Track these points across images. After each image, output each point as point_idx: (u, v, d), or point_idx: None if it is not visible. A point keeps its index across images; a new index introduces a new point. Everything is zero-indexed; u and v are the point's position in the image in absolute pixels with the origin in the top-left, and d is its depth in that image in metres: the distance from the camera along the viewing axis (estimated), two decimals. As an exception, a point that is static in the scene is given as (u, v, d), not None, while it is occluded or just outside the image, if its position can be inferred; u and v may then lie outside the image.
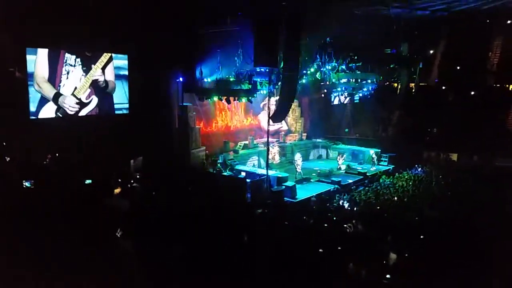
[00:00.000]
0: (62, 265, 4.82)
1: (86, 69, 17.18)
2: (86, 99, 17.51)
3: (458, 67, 27.63)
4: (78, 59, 16.78)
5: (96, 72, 17.53)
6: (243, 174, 19.67)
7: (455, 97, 27.37)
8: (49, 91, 16.06)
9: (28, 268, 4.62)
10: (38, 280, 4.55)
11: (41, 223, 5.12)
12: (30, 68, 15.49)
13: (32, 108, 15.78)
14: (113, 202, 8.24)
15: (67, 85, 16.56)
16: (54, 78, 16.04)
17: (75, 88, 16.89)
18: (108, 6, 15.57)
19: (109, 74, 18.22)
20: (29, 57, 15.42)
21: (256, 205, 15.26)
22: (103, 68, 17.89)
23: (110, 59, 18.05)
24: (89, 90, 17.49)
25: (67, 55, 16.32)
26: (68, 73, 16.44)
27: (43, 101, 16.04)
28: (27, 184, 9.18)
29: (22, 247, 4.74)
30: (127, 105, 19.07)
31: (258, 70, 19.51)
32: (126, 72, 18.85)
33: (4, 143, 13.81)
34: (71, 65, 16.54)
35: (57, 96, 16.27)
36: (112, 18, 15.73)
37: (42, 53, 15.79)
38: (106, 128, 17.19)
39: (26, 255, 4.71)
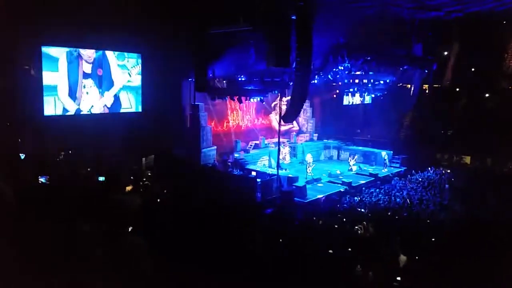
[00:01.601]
0: (73, 260, 4.90)
1: (102, 90, 17.75)
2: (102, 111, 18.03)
3: (473, 69, 27.33)
4: (92, 80, 17.34)
5: (110, 99, 18.14)
6: (254, 173, 19.73)
7: (469, 99, 27.07)
8: (71, 106, 16.94)
9: (39, 262, 4.69)
10: (49, 274, 4.63)
11: (55, 218, 5.21)
12: (53, 81, 16.14)
13: (58, 111, 16.51)
14: (125, 199, 8.34)
15: (86, 101, 17.32)
16: (75, 95, 16.90)
17: (92, 106, 17.52)
18: (122, 5, 15.72)
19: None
20: (51, 74, 16.00)
21: (266, 205, 15.30)
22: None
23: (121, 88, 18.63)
24: (103, 108, 17.91)
25: (84, 81, 16.97)
26: (88, 93, 17.24)
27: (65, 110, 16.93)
28: (42, 179, 9.34)
29: (35, 242, 4.82)
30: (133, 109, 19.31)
31: (270, 70, 19.53)
32: (139, 84, 19.05)
33: (20, 140, 14.04)
34: (90, 86, 17.30)
35: (78, 112, 17.17)
36: (125, 18, 15.89)
37: (62, 67, 16.33)
38: (118, 126, 17.36)
39: (38, 250, 4.78)
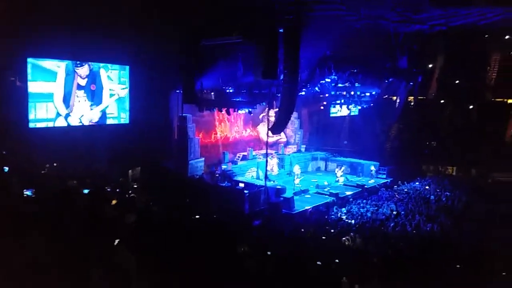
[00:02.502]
0: (61, 275, 4.84)
1: (93, 103, 17.88)
2: (90, 122, 17.98)
3: (457, 81, 27.84)
4: (85, 93, 17.57)
5: (99, 113, 18.25)
6: (242, 185, 19.71)
7: (453, 111, 27.54)
8: (63, 111, 17.20)
9: (27, 278, 4.63)
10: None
11: (41, 232, 5.15)
12: (51, 90, 16.53)
13: (51, 115, 16.76)
14: (111, 212, 8.26)
15: (77, 109, 17.55)
16: (68, 102, 17.19)
17: (82, 115, 17.66)
18: (110, 17, 15.72)
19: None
20: (49, 83, 16.34)
21: (254, 217, 15.28)
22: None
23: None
24: (93, 118, 17.93)
25: (77, 91, 17.36)
26: (79, 102, 17.53)
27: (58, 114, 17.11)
28: (28, 193, 9.17)
29: (22, 257, 4.76)
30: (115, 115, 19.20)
31: (258, 82, 19.65)
32: (126, 94, 19.02)
33: (4, 152, 13.82)
34: (82, 97, 17.56)
35: (67, 117, 17.29)
36: (113, 29, 15.86)
37: (60, 79, 16.71)
38: (105, 138, 17.22)
39: (25, 265, 4.72)
